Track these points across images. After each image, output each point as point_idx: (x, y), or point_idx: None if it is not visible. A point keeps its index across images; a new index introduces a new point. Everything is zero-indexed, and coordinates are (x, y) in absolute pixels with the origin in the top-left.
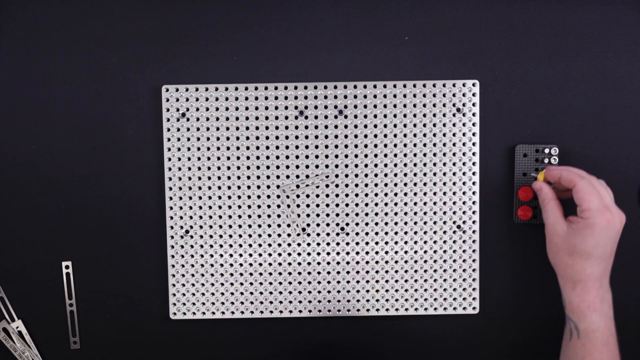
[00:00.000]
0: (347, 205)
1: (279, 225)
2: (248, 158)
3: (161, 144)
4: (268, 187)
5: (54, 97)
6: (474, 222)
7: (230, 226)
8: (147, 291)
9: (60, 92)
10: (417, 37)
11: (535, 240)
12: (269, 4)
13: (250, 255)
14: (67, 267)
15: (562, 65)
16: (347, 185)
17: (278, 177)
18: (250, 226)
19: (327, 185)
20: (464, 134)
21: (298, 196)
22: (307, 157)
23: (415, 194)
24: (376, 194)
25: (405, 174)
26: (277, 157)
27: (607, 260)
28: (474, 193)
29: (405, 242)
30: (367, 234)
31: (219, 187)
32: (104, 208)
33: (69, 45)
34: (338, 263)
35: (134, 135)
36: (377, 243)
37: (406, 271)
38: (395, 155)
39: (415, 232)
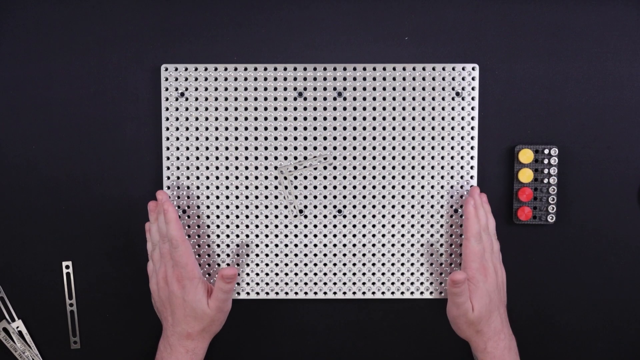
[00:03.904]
0: (344, 187)
1: (276, 207)
2: (246, 139)
3: (160, 144)
4: (266, 168)
5: (54, 97)
6: None
7: (227, 207)
8: (146, 291)
9: (60, 92)
10: (416, 37)
11: (535, 240)
12: (269, 3)
13: (247, 236)
14: (67, 267)
15: (562, 65)
16: (345, 168)
17: (276, 158)
18: (247, 207)
19: (325, 167)
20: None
21: (296, 177)
22: (305, 138)
23: (413, 177)
24: (374, 177)
25: (403, 157)
26: (275, 139)
27: (499, 310)
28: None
29: (402, 226)
30: (364, 216)
31: (217, 168)
32: (104, 208)
33: (69, 45)
34: (335, 245)
35: (134, 135)
36: (374, 226)
37: (402, 254)
38: (394, 138)
39: (413, 216)
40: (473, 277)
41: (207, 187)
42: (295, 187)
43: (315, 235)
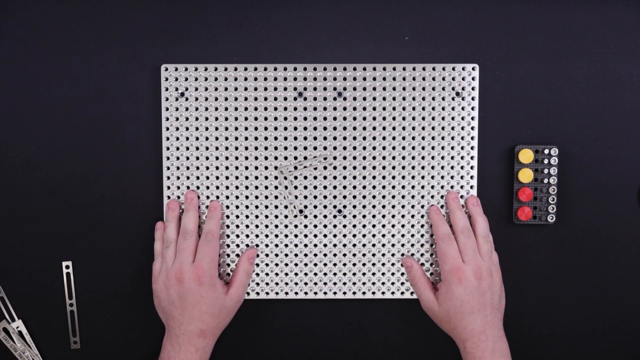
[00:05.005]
0: (344, 187)
1: (276, 207)
2: (246, 139)
3: (160, 144)
4: (266, 168)
5: (54, 97)
6: None
7: (227, 207)
8: (147, 291)
9: (60, 92)
10: (416, 37)
11: (535, 240)
12: (269, 3)
13: (247, 236)
14: (67, 267)
15: (562, 65)
16: (345, 168)
17: (276, 158)
18: (247, 207)
19: (325, 167)
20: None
21: (296, 177)
22: (305, 138)
23: (413, 177)
24: (374, 177)
25: (403, 157)
26: (276, 139)
27: (483, 313)
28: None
29: (402, 226)
30: (364, 216)
31: (217, 168)
32: (104, 208)
33: (69, 45)
34: (335, 245)
35: (134, 135)
36: (374, 226)
37: (402, 255)
38: (394, 138)
39: (413, 216)
40: (445, 279)
41: (207, 187)
42: (295, 187)
43: (315, 235)
